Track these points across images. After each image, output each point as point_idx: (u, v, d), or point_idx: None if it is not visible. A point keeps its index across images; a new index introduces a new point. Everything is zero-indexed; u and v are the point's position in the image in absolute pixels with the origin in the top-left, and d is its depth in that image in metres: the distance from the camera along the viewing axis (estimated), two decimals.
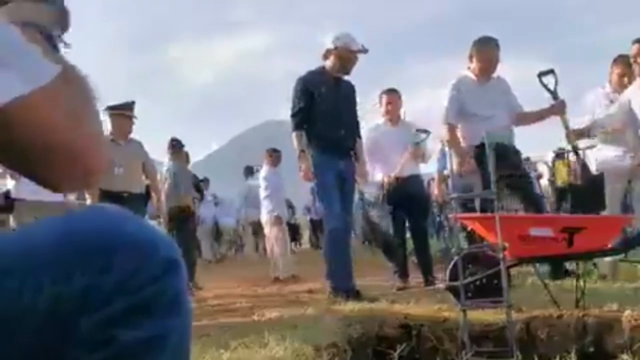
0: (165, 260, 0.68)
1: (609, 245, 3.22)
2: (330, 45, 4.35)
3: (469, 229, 4.03)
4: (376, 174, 5.26)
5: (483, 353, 2.65)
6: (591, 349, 2.81)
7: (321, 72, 4.45)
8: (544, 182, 8.13)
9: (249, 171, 10.36)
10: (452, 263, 3.52)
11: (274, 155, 7.78)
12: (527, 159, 8.90)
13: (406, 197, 5.07)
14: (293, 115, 4.39)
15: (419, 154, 5.31)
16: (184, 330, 0.70)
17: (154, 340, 0.66)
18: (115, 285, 0.64)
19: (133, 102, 5.20)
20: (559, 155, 7.14)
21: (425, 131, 5.38)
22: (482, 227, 3.25)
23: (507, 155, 3.93)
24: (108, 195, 4.63)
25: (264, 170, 7.84)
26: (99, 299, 0.64)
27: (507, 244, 2.89)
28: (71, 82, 0.72)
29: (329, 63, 4.41)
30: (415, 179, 5.31)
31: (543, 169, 7.98)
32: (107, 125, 4.91)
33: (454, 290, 3.42)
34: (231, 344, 2.74)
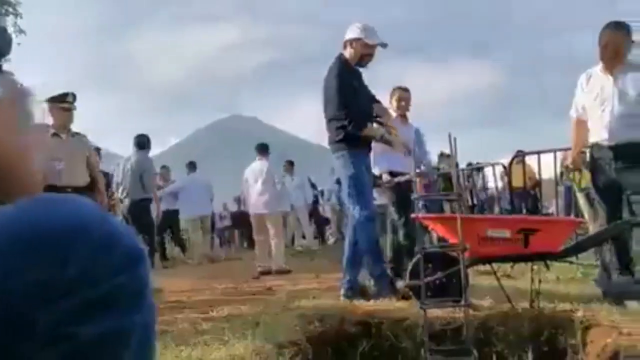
0: (127, 253, 0.65)
1: (562, 248, 3.33)
2: (349, 36, 4.24)
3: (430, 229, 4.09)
4: (382, 173, 5.29)
5: (441, 351, 2.69)
6: (545, 348, 2.90)
7: (348, 63, 4.27)
8: (497, 184, 8.32)
9: (192, 167, 10.41)
10: (412, 262, 3.58)
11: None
12: (476, 163, 9.11)
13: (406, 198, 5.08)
14: (348, 113, 4.13)
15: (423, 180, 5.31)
16: (147, 325, 0.68)
17: (115, 336, 0.64)
18: (74, 278, 0.61)
19: (69, 94, 5.10)
20: (516, 157, 7.32)
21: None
22: (443, 228, 3.30)
23: None
24: (52, 190, 4.51)
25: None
26: (56, 293, 0.61)
27: (467, 244, 2.95)
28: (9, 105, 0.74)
29: (347, 54, 4.28)
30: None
31: (497, 172, 8.15)
32: (48, 117, 4.86)
33: (413, 289, 3.47)
34: (190, 341, 2.72)
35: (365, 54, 4.24)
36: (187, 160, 10.81)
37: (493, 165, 7.33)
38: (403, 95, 5.41)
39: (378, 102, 4.54)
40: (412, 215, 3.94)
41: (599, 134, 3.90)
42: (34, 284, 0.60)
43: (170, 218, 9.58)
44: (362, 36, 4.18)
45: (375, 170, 5.22)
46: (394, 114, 5.29)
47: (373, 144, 4.55)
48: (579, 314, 2.95)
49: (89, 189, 5.16)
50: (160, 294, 5.90)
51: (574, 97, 4.11)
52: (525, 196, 8.87)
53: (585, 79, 4.03)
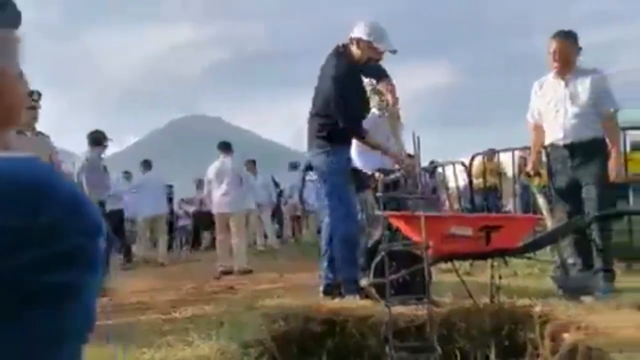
0: (91, 220, 0.71)
1: (521, 244, 3.42)
2: (356, 35, 4.02)
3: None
4: (374, 171, 5.31)
5: (406, 348, 2.73)
6: (506, 342, 2.96)
7: (352, 60, 4.07)
8: (459, 182, 8.46)
9: (147, 165, 10.30)
10: (376, 260, 3.61)
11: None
12: (432, 162, 9.25)
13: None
14: (347, 113, 4.01)
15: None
16: (95, 289, 0.74)
17: (74, 289, 0.69)
18: (45, 227, 0.66)
19: (34, 91, 5.00)
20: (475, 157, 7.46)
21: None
22: (407, 226, 3.34)
23: None
24: None
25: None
26: (30, 240, 0.65)
27: (430, 242, 2.99)
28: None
29: (352, 50, 4.07)
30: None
31: (456, 171, 8.27)
32: None
33: (377, 287, 3.50)
34: (154, 342, 2.68)
35: (371, 57, 4.07)
36: (149, 157, 10.66)
37: (453, 163, 7.44)
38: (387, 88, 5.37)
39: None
40: (380, 213, 3.97)
41: (554, 134, 4.13)
42: (9, 229, 0.65)
43: (114, 219, 9.38)
44: (370, 39, 3.99)
45: (367, 169, 5.26)
46: (377, 112, 5.33)
47: (356, 142, 4.56)
48: (537, 309, 3.02)
49: None
50: (119, 294, 5.81)
51: (530, 103, 4.32)
52: (487, 194, 9.04)
53: (538, 86, 4.28)
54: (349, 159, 4.25)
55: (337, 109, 3.96)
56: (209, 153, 8.27)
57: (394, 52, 4.09)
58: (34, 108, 5.00)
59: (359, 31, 4.01)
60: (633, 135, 9.11)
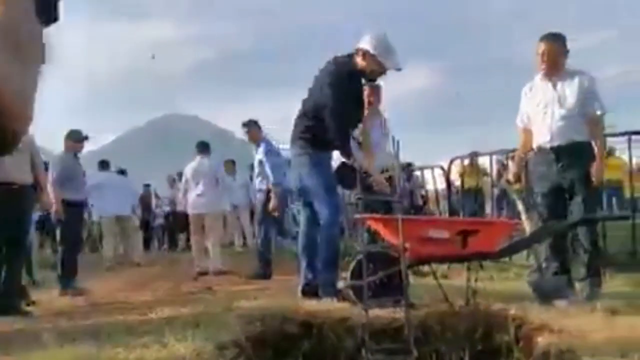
0: None
1: (498, 248, 3.45)
2: (363, 46, 3.96)
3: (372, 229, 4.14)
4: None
5: (382, 350, 2.73)
6: (479, 346, 2.99)
7: (355, 69, 4.02)
8: (437, 186, 8.53)
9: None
10: (354, 263, 3.61)
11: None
12: (409, 164, 9.31)
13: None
14: (340, 125, 3.96)
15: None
16: None
17: None
18: None
19: None
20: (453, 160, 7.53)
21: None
22: (385, 229, 3.35)
23: None
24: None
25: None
26: None
27: (407, 245, 3.00)
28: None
29: (357, 60, 4.01)
30: None
31: (435, 175, 8.34)
32: None
33: (354, 289, 3.51)
34: (130, 343, 2.65)
35: (375, 70, 4.01)
36: (125, 157, 10.55)
37: (432, 167, 7.51)
38: (371, 90, 5.35)
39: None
40: (356, 216, 3.98)
41: (542, 137, 4.12)
42: None
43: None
44: (375, 53, 3.93)
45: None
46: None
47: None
48: (512, 312, 3.05)
49: (34, 187, 5.04)
50: (94, 294, 5.74)
51: (520, 107, 4.32)
52: (467, 197, 9.12)
53: (528, 88, 4.28)
54: (330, 164, 4.24)
55: (332, 119, 3.91)
56: (188, 152, 8.20)
57: (399, 70, 4.06)
58: None
59: (366, 43, 3.97)
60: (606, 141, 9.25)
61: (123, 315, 3.95)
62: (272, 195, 6.56)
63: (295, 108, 4.25)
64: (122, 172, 11.55)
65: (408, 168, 9.02)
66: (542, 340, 2.67)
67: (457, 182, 8.26)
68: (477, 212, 9.26)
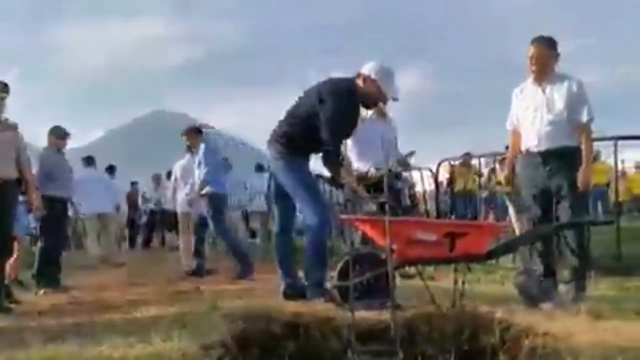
0: None
1: (485, 251, 3.46)
2: (365, 72, 4.03)
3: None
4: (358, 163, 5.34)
5: (368, 351, 2.73)
6: (466, 347, 3.00)
7: (357, 94, 4.06)
8: (425, 188, 8.56)
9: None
10: (341, 263, 3.61)
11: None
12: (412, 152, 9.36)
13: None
14: (335, 144, 4.02)
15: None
16: None
17: None
18: None
19: (1, 83, 4.88)
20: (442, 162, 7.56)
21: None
22: (372, 230, 3.35)
23: None
24: None
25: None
26: None
27: (395, 247, 3.00)
28: None
29: (359, 84, 4.05)
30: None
31: (424, 176, 8.36)
32: None
33: (341, 290, 3.51)
34: (115, 341, 2.63)
35: (373, 94, 4.07)
36: (113, 154, 10.49)
37: (420, 169, 7.51)
38: None
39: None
40: (343, 217, 3.98)
41: (529, 140, 4.14)
42: None
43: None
44: (376, 78, 4.00)
45: (361, 167, 5.39)
46: (369, 112, 5.36)
47: (351, 142, 4.56)
48: (498, 314, 3.06)
49: (19, 182, 4.97)
50: (78, 292, 5.69)
51: (510, 109, 4.34)
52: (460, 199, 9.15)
53: (519, 90, 4.29)
54: (308, 167, 4.22)
55: (329, 131, 3.92)
56: (177, 150, 8.16)
57: (395, 99, 4.17)
58: (1, 99, 4.88)
59: (369, 69, 4.04)
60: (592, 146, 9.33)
61: (108, 314, 3.92)
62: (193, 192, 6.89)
63: (285, 108, 4.25)
64: (111, 168, 11.48)
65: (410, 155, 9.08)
66: (527, 343, 2.68)
67: (447, 184, 8.29)
68: (467, 214, 9.30)
